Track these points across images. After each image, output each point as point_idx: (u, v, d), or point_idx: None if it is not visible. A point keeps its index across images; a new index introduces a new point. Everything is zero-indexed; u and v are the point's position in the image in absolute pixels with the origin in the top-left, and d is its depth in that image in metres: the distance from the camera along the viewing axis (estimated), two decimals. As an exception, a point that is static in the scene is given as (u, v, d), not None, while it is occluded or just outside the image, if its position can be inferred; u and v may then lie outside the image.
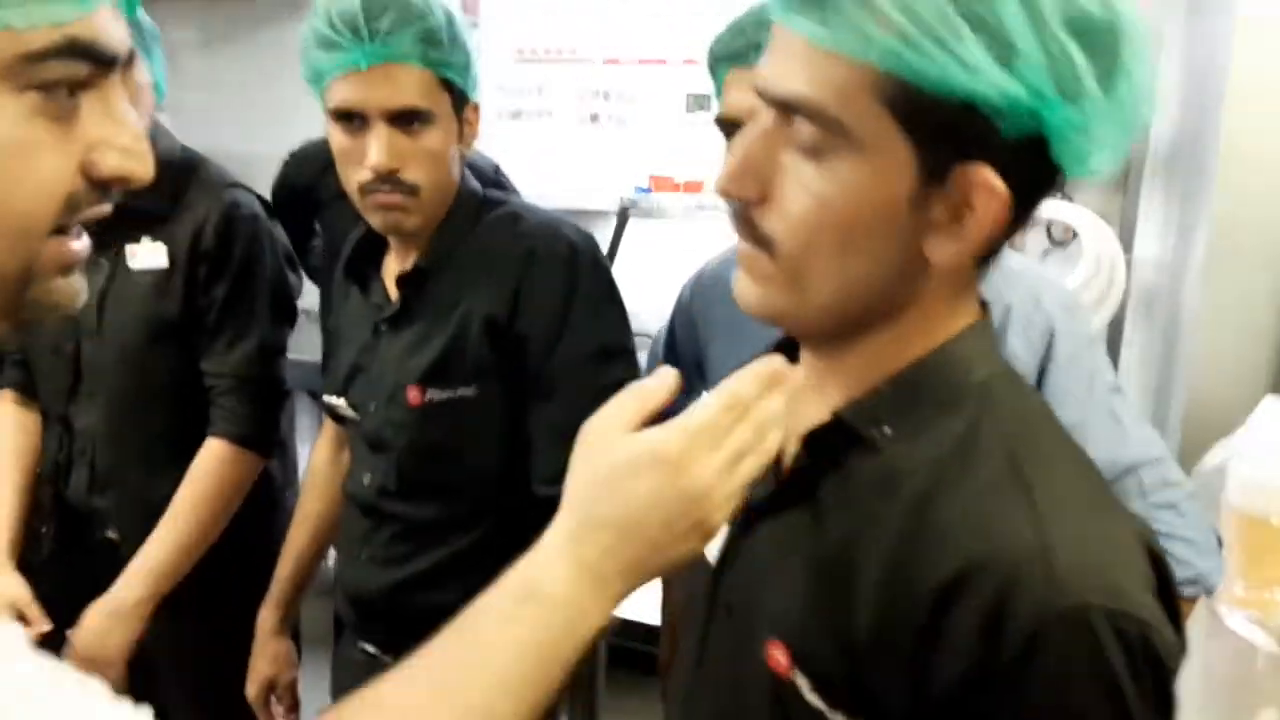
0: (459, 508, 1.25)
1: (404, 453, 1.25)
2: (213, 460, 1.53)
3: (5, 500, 1.58)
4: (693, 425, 0.60)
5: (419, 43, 1.13)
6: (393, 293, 1.27)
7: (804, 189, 0.60)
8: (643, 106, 3.14)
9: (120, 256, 1.54)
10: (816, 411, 0.67)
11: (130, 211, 1.54)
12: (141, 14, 1.47)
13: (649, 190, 2.96)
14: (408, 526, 1.27)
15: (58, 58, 0.50)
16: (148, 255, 1.53)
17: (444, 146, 1.18)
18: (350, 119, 1.15)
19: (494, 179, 2.07)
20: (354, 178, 1.17)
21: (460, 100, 1.20)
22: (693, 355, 1.36)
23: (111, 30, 0.53)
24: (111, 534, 1.58)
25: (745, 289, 0.66)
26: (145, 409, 1.58)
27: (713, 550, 0.72)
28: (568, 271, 1.21)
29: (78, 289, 0.56)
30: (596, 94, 3.20)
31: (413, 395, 1.22)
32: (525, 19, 3.21)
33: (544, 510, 0.63)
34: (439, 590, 1.23)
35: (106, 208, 0.55)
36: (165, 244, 1.53)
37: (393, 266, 1.29)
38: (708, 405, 0.61)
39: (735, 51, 1.09)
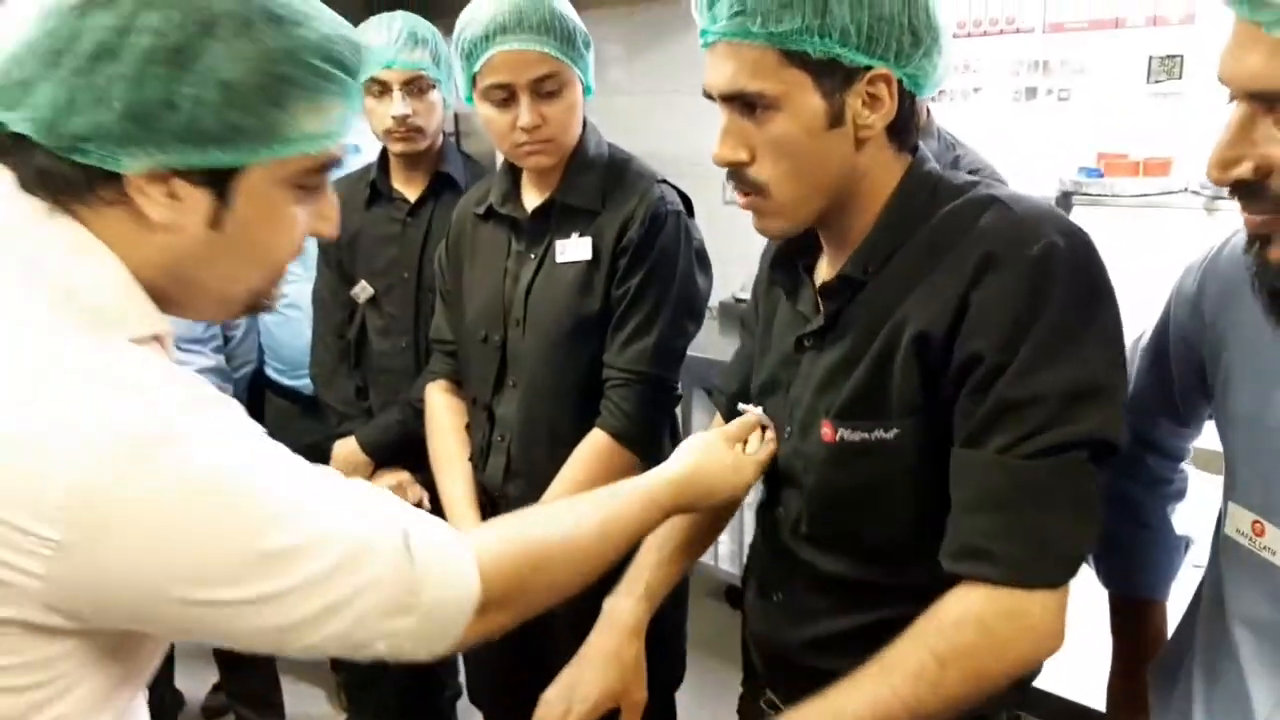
0: (869, 571, 1.04)
1: (813, 494, 1.07)
2: (591, 451, 1.55)
3: (466, 477, 1.69)
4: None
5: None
6: (821, 302, 1.09)
7: None
8: (1092, 77, 2.73)
9: (550, 251, 1.56)
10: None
11: (563, 209, 1.57)
12: (578, 20, 1.49)
13: (1099, 172, 2.54)
14: (821, 578, 1.08)
15: (323, 170, 0.81)
16: (574, 249, 1.54)
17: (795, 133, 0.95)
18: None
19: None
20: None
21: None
22: (1193, 361, 1.05)
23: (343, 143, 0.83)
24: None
25: None
26: (559, 402, 1.60)
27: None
28: (1036, 278, 0.90)
29: (280, 293, 0.87)
30: (1035, 66, 2.84)
31: (826, 431, 1.02)
32: (953, -13, 2.93)
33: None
34: (852, 655, 0.96)
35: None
36: (593, 238, 1.53)
37: (825, 271, 1.11)
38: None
39: None
